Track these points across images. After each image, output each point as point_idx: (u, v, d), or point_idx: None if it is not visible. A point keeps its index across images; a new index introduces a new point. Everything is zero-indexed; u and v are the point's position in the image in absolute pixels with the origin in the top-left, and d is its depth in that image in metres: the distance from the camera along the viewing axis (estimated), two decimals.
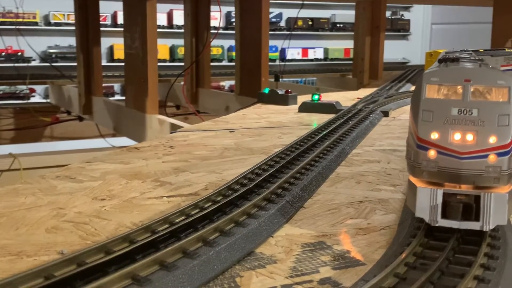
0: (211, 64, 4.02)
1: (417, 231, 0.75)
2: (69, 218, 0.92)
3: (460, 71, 0.73)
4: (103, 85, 4.14)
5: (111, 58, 6.50)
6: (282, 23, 7.43)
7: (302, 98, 2.44)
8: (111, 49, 6.49)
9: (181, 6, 3.99)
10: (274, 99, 2.49)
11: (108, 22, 6.41)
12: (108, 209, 0.97)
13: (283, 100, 2.46)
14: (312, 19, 7.56)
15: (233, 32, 3.34)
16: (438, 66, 0.78)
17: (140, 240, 0.71)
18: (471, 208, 0.70)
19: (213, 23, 3.98)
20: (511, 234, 0.76)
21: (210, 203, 0.88)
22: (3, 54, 5.90)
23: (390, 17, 8.05)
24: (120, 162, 1.34)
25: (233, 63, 3.47)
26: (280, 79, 3.37)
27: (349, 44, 6.18)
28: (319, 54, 7.62)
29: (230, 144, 1.57)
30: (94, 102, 3.88)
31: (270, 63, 3.29)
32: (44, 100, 5.81)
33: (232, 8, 3.56)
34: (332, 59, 7.62)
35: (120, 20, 6.29)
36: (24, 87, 5.73)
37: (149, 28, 2.87)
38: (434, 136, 0.71)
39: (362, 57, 4.34)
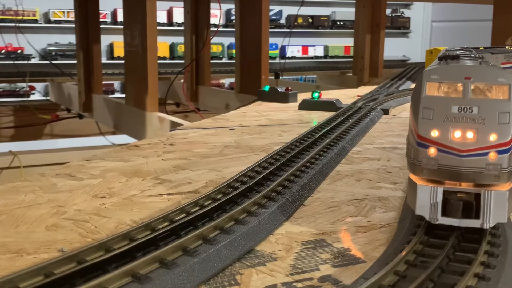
0: (211, 61, 4.02)
1: (417, 229, 0.75)
2: (69, 216, 0.92)
3: (461, 68, 0.73)
4: (103, 82, 4.14)
5: (111, 55, 6.49)
6: (282, 21, 7.43)
7: (302, 96, 2.44)
8: (111, 46, 6.48)
9: (181, 4, 3.99)
10: (274, 96, 2.49)
11: (108, 19, 6.40)
12: (108, 206, 0.97)
13: (283, 97, 2.46)
14: (312, 17, 7.56)
15: (233, 29, 3.34)
16: (438, 64, 0.78)
17: (140, 238, 0.71)
18: (471, 206, 0.70)
19: (213, 20, 3.97)
20: (511, 232, 0.75)
21: (210, 201, 0.88)
22: (3, 51, 5.89)
23: (390, 15, 8.04)
24: (120, 159, 1.34)
25: (233, 61, 3.46)
26: (280, 77, 3.37)
27: (349, 41, 6.17)
28: (319, 51, 7.62)
29: (230, 141, 1.57)
30: (94, 99, 3.87)
31: (270, 61, 3.28)
32: (44, 98, 5.81)
33: (232, 6, 3.55)
34: (332, 57, 7.62)
35: (120, 17, 6.28)
36: (24, 84, 5.73)
37: (149, 25, 2.86)
38: (434, 133, 0.70)
39: (362, 55, 4.34)
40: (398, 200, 1.03)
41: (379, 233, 0.86)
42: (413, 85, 2.92)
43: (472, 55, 0.87)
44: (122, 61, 3.37)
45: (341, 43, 7.73)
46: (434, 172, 0.71)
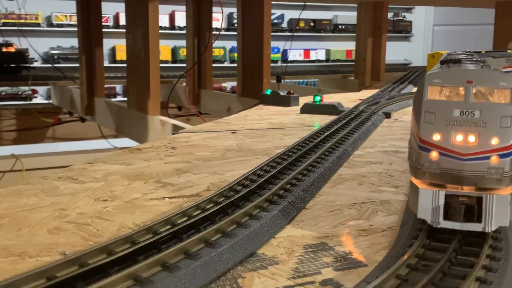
0: (213, 65, 4.02)
1: (419, 233, 0.75)
2: (71, 219, 0.92)
3: (462, 72, 0.73)
4: (105, 86, 4.15)
5: (113, 59, 6.50)
6: (284, 25, 7.43)
7: (304, 99, 2.45)
8: (113, 50, 6.50)
9: (183, 7, 4.00)
10: (276, 100, 2.49)
11: (110, 23, 6.42)
12: (110, 210, 0.98)
13: (285, 101, 2.46)
14: (314, 21, 7.56)
15: (235, 33, 3.34)
16: (440, 68, 0.78)
17: (142, 241, 0.71)
18: (473, 210, 0.70)
19: (215, 24, 3.98)
20: None
21: (212, 204, 0.88)
22: None
23: (392, 19, 8.05)
24: (122, 163, 1.34)
25: (235, 64, 3.47)
26: (282, 81, 3.38)
27: (351, 45, 6.17)
28: (321, 55, 7.62)
29: (232, 145, 1.57)
30: (96, 103, 3.88)
31: (272, 64, 3.29)
32: (46, 101, 5.82)
33: (234, 9, 3.56)
34: (334, 61, 7.62)
35: (122, 21, 6.29)
36: (26, 88, 5.74)
37: (151, 29, 2.87)
38: (436, 137, 0.71)
39: (364, 59, 4.34)
40: (400, 203, 1.03)
41: (381, 236, 0.86)
42: (414, 89, 2.92)
43: (473, 59, 0.88)
44: (124, 65, 3.37)
45: (343, 47, 7.73)
46: (436, 175, 0.71)
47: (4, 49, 5.26)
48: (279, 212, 0.90)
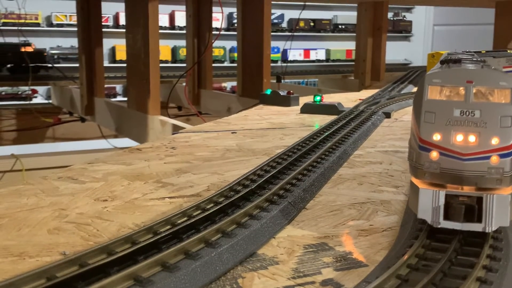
0: (213, 65, 4.02)
1: (419, 233, 0.75)
2: (71, 219, 0.92)
3: (462, 72, 0.73)
4: (105, 86, 4.15)
5: (113, 59, 6.50)
6: (284, 24, 7.44)
7: (304, 99, 2.44)
8: (113, 50, 6.50)
9: (183, 7, 4.00)
10: (276, 100, 2.49)
11: (110, 23, 6.42)
12: (110, 210, 0.97)
13: (285, 101, 2.46)
14: (314, 20, 7.57)
15: (235, 33, 3.34)
16: (440, 68, 0.78)
17: (142, 241, 0.71)
18: (473, 210, 0.70)
19: (215, 24, 3.98)
20: None
21: (212, 204, 0.88)
22: None
23: (392, 18, 8.05)
24: (122, 163, 1.34)
25: (235, 64, 3.47)
26: (282, 80, 3.38)
27: (351, 45, 6.17)
28: (321, 55, 7.63)
29: (232, 145, 1.57)
30: (96, 103, 3.88)
31: (272, 64, 3.29)
32: (46, 101, 5.82)
33: (234, 9, 3.56)
34: (334, 60, 7.63)
35: (122, 21, 6.30)
36: (26, 88, 5.74)
37: (151, 29, 2.87)
38: (436, 137, 0.70)
39: (364, 58, 4.34)
40: (400, 203, 1.03)
41: (381, 236, 0.86)
42: (415, 89, 2.92)
43: (474, 59, 0.87)
44: (124, 65, 3.38)
45: (343, 47, 7.74)
46: (436, 175, 0.71)
47: (23, 49, 5.27)
48: (279, 212, 0.90)
